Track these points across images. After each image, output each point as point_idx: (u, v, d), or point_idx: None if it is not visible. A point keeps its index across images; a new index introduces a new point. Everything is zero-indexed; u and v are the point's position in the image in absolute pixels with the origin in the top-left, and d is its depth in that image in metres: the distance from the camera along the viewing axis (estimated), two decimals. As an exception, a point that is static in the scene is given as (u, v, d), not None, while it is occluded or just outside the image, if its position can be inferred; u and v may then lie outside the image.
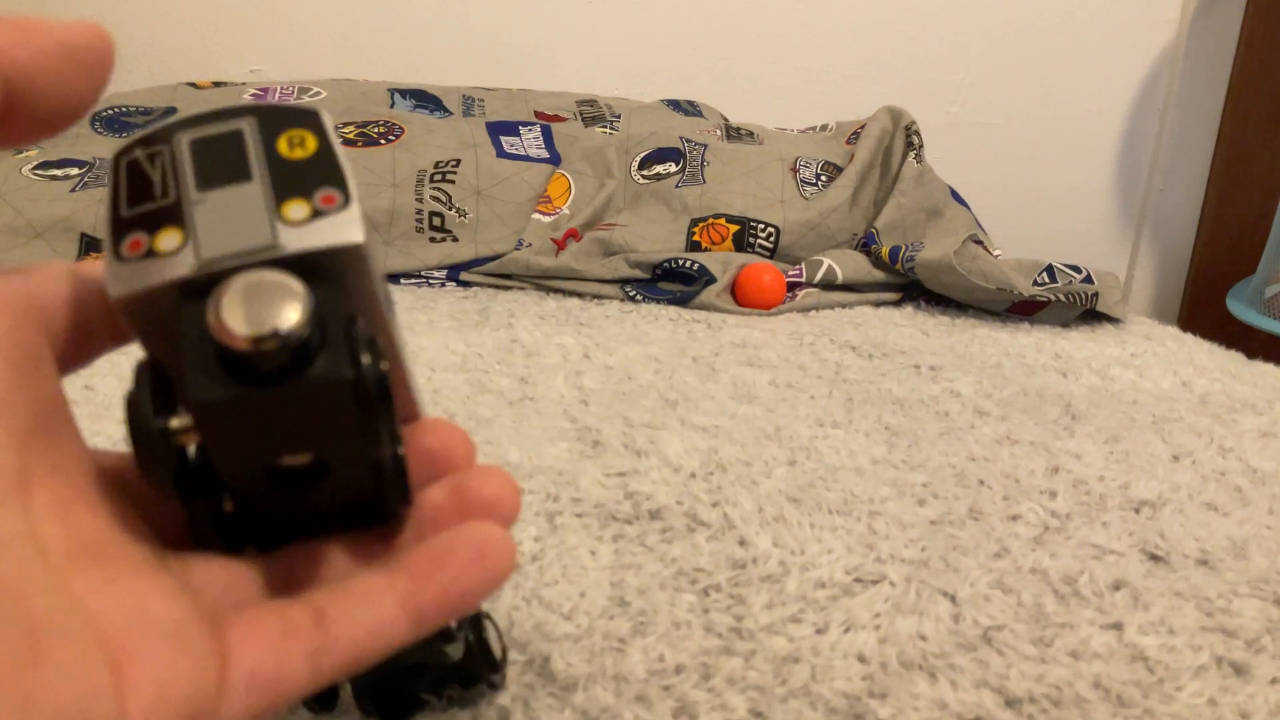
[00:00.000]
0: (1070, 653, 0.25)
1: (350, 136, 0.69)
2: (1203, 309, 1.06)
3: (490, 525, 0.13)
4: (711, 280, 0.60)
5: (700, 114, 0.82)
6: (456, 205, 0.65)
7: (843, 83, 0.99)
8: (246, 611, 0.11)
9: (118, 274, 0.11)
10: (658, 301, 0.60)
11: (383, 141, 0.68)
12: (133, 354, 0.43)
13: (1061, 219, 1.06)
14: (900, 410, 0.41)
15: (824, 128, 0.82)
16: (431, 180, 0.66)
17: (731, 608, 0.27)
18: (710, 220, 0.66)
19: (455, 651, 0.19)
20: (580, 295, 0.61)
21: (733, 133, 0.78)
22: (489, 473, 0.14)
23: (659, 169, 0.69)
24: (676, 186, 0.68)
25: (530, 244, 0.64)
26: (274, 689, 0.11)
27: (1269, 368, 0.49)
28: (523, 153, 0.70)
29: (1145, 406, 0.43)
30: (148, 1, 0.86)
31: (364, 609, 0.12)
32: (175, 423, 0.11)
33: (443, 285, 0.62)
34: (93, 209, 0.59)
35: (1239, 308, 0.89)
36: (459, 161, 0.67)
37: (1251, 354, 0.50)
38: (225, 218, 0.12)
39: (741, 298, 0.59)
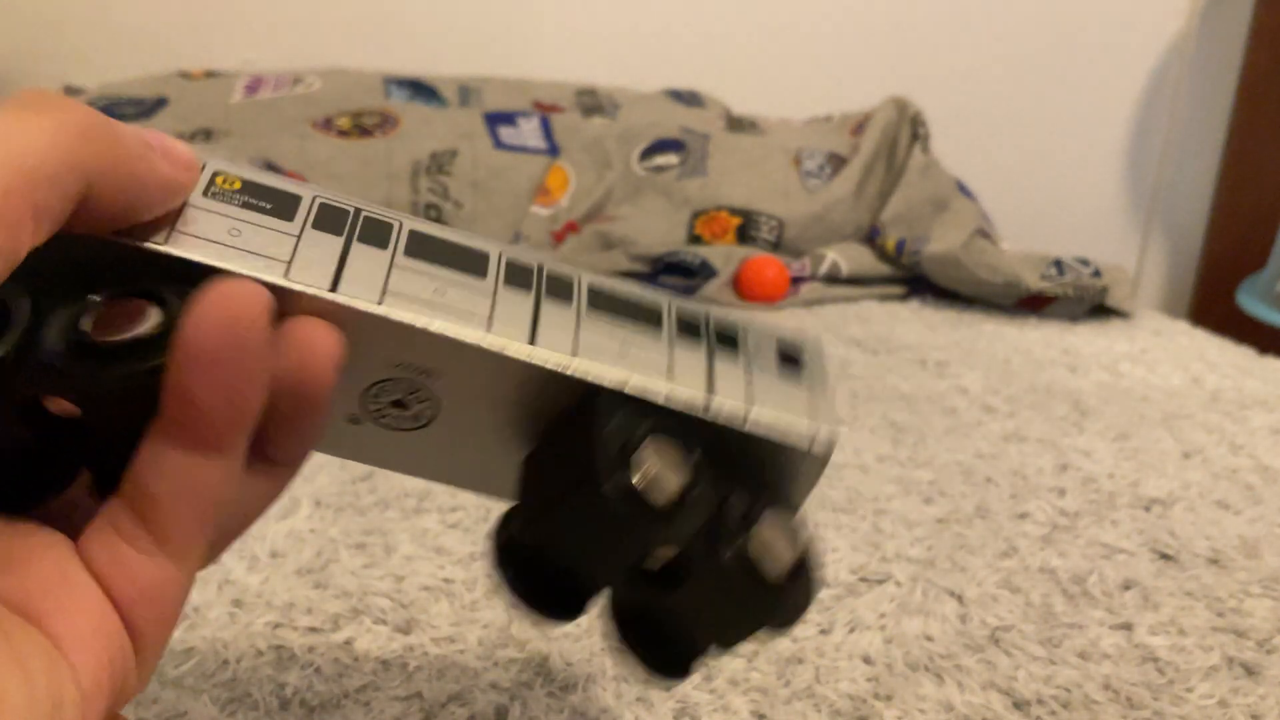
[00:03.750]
0: (1079, 653, 0.25)
1: (345, 128, 0.68)
2: (1213, 303, 1.05)
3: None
4: (713, 274, 0.59)
5: (702, 104, 0.81)
6: (453, 198, 0.64)
7: (847, 72, 0.97)
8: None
9: None
10: (659, 295, 0.59)
11: (377, 133, 0.67)
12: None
13: (1070, 211, 1.05)
14: (906, 406, 0.41)
15: (828, 118, 0.81)
16: (428, 172, 0.65)
17: (733, 607, 0.26)
18: (712, 212, 0.65)
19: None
20: (580, 289, 0.60)
21: (735, 123, 0.77)
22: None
23: (660, 160, 0.68)
24: (678, 178, 0.67)
25: (528, 237, 0.63)
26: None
27: (1280, 363, 0.48)
28: (521, 144, 0.69)
29: (1155, 403, 0.42)
30: (143, -10, 0.85)
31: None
32: None
33: (441, 278, 0.61)
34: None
35: (1250, 302, 0.89)
36: (456, 153, 0.66)
37: (1263, 349, 0.50)
38: None
39: (744, 292, 0.59)
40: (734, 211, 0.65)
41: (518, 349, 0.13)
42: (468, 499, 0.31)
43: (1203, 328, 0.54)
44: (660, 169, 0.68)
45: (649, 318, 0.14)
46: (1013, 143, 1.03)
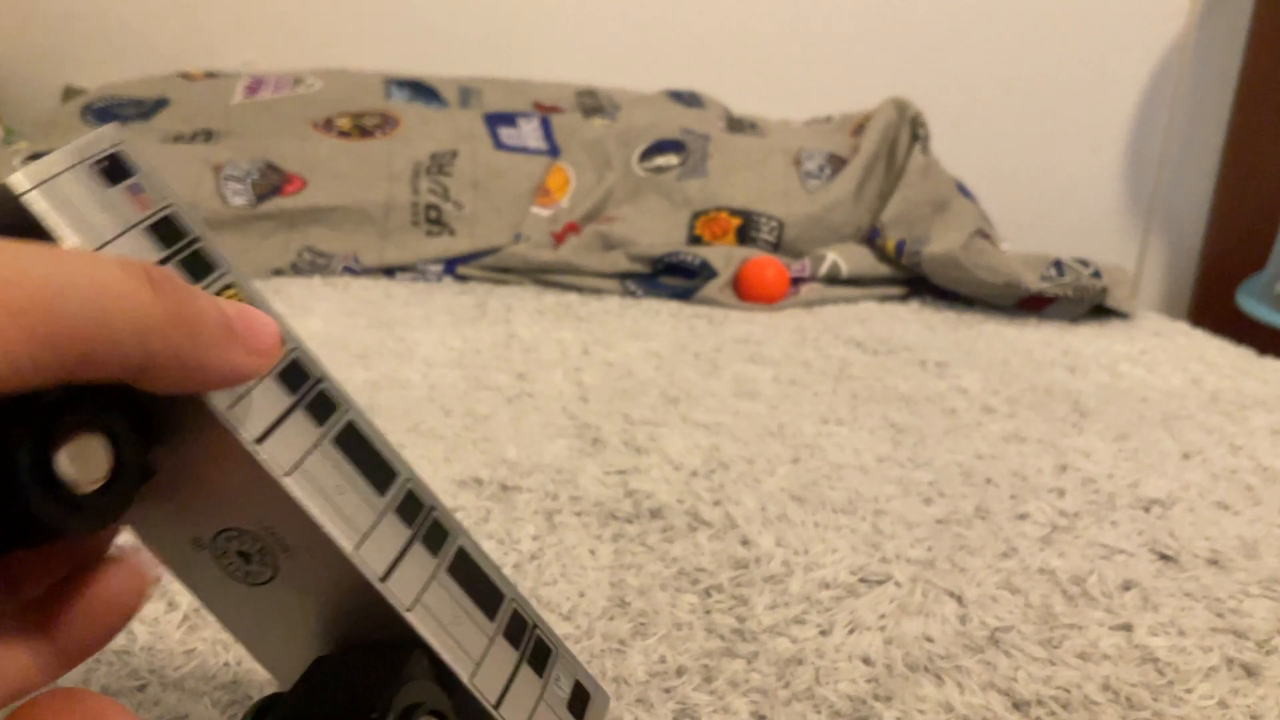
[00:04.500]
0: (1079, 654, 0.25)
1: (345, 129, 0.68)
2: (1212, 304, 1.05)
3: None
4: (713, 275, 0.59)
5: (702, 105, 0.81)
6: (453, 198, 0.64)
7: (847, 73, 0.97)
8: None
9: None
10: (658, 296, 0.59)
11: (378, 134, 0.67)
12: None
13: (1070, 212, 1.06)
14: (906, 407, 0.41)
15: (828, 119, 0.81)
16: (428, 173, 0.65)
17: (734, 608, 0.26)
18: (712, 213, 0.66)
19: None
20: (579, 290, 0.60)
21: (735, 124, 0.77)
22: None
23: (660, 161, 0.68)
24: (678, 179, 0.67)
25: (528, 237, 0.63)
26: None
27: None
28: (521, 144, 0.69)
29: (1155, 403, 0.42)
30: (143, -9, 0.85)
31: None
32: None
33: (439, 279, 0.61)
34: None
35: (1249, 303, 0.89)
36: (456, 154, 0.66)
37: (1262, 350, 0.50)
38: None
39: (744, 292, 0.59)
40: (734, 212, 0.65)
41: (372, 575, 0.13)
42: (469, 499, 0.31)
43: (1202, 328, 0.54)
44: (660, 169, 0.68)
45: (489, 604, 0.15)
46: (1013, 143, 1.03)
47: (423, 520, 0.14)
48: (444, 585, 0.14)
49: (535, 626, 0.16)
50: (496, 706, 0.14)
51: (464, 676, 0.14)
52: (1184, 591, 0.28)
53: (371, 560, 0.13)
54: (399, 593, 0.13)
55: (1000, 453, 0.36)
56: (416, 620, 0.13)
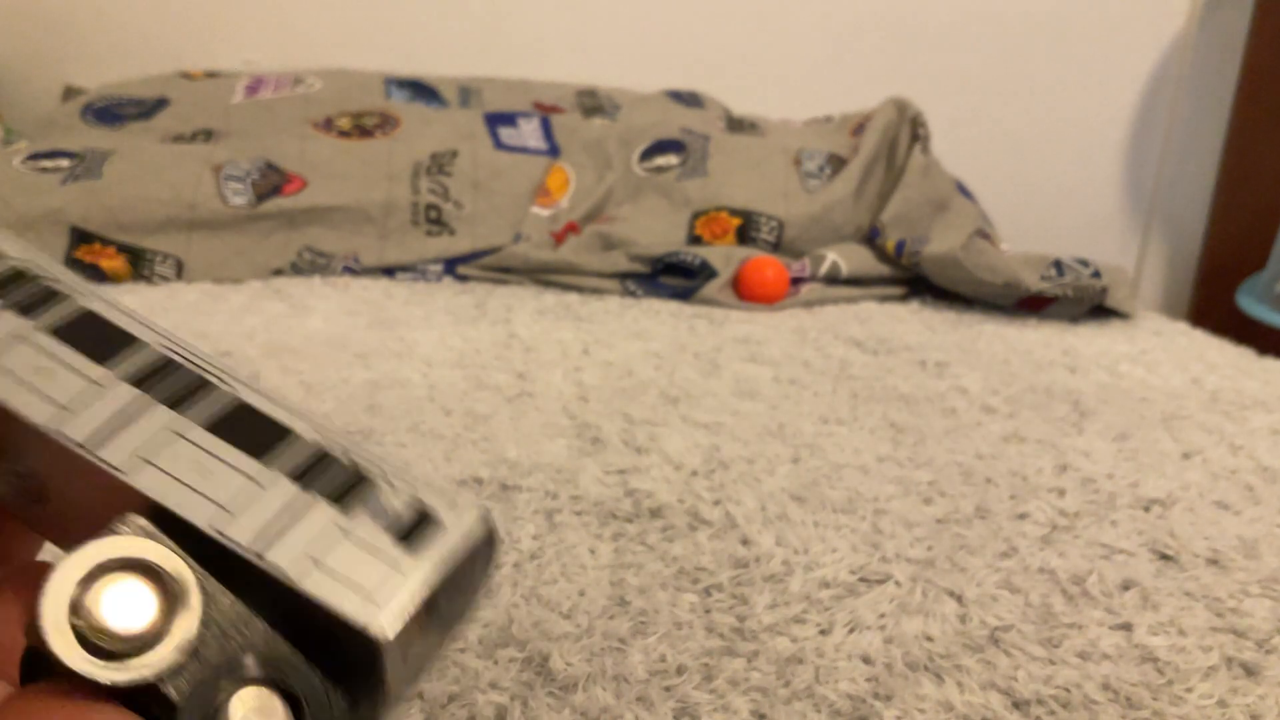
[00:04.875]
0: (1079, 653, 0.25)
1: (345, 128, 0.68)
2: (1212, 304, 1.05)
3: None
4: (713, 274, 0.59)
5: (702, 105, 0.81)
6: (454, 198, 0.64)
7: (847, 73, 0.97)
8: None
9: None
10: (658, 296, 0.59)
11: (378, 134, 0.67)
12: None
13: (1069, 212, 1.06)
14: (906, 407, 0.41)
15: (828, 119, 0.81)
16: (428, 173, 0.65)
17: (734, 607, 0.26)
18: (712, 213, 0.66)
19: None
20: (579, 290, 0.60)
21: (735, 124, 0.77)
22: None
23: (660, 161, 0.68)
24: (678, 179, 0.67)
25: (529, 237, 0.63)
26: None
27: None
28: (521, 144, 0.69)
29: (1155, 403, 0.42)
30: (143, -10, 0.85)
31: None
32: None
33: (439, 279, 0.61)
34: (83, 201, 0.59)
35: (1249, 303, 0.89)
36: (456, 153, 0.66)
37: (1262, 350, 0.50)
38: None
39: (744, 292, 0.59)
40: (734, 212, 0.65)
41: (72, 444, 0.12)
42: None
43: (1202, 328, 0.54)
44: (660, 169, 0.68)
45: (260, 447, 0.13)
46: (1013, 143, 1.03)
47: (167, 381, 0.13)
48: (192, 438, 0.13)
49: (350, 460, 0.14)
50: (263, 550, 0.12)
51: (202, 525, 0.13)
52: (1184, 591, 0.28)
53: (73, 429, 0.12)
54: (111, 457, 0.12)
55: (1000, 452, 0.36)
56: (139, 480, 0.12)
